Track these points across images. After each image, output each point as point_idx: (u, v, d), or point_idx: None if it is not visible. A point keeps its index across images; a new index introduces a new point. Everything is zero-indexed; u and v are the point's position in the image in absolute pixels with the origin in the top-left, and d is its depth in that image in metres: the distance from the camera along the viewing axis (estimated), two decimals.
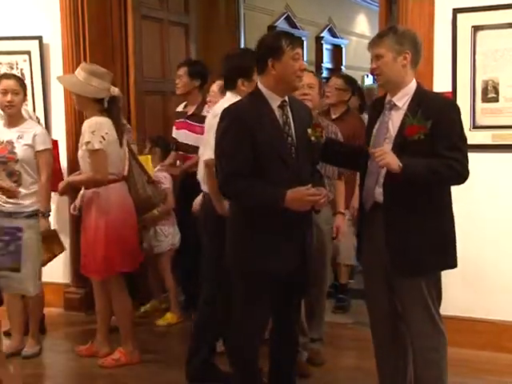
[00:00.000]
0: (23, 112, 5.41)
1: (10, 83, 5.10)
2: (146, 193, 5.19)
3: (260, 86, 3.84)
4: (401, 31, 3.81)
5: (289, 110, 3.85)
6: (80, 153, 4.88)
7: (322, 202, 3.77)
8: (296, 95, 4.39)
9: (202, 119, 5.72)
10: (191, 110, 6.03)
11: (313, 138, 3.81)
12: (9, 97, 5.04)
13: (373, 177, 3.80)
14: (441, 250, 3.78)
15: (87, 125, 4.79)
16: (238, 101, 4.12)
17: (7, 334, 5.44)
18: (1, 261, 4.69)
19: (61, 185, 4.98)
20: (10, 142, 5.08)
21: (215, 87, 5.27)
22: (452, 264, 3.82)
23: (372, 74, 4.01)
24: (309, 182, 3.79)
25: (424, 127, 3.59)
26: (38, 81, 6.25)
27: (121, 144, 4.99)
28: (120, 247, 4.87)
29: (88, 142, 4.74)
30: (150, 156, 5.86)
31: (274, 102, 3.81)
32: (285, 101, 3.84)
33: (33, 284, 4.88)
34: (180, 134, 6.09)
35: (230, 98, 4.33)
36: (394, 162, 3.54)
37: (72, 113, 6.09)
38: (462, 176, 3.67)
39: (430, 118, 3.62)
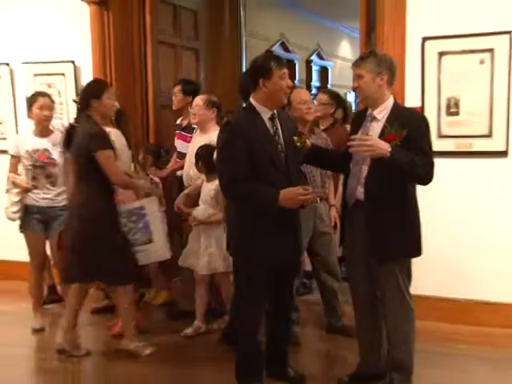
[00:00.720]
0: (60, 125, 5.48)
1: (46, 100, 5.26)
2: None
3: (253, 101, 3.92)
4: (380, 56, 3.91)
5: (277, 121, 3.94)
6: None
7: (309, 200, 3.89)
8: (302, 109, 4.77)
9: (192, 130, 5.86)
10: (185, 122, 6.06)
11: (298, 144, 3.93)
12: (45, 112, 5.22)
13: (355, 178, 3.91)
14: (410, 239, 3.91)
15: None
16: (235, 114, 4.29)
17: None
18: (136, 238, 4.81)
19: None
20: (47, 150, 5.25)
21: (200, 101, 5.35)
22: (419, 252, 3.94)
23: (354, 90, 4.10)
24: (297, 182, 3.92)
25: (400, 135, 3.70)
26: (71, 98, 6.23)
27: (130, 147, 5.13)
28: None
29: None
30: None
31: (265, 115, 3.89)
32: (274, 114, 3.92)
33: (167, 248, 4.98)
34: (177, 144, 6.11)
35: None
36: (385, 147, 3.65)
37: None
38: (430, 177, 3.81)
39: (406, 127, 3.71)
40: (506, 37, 4.96)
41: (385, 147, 3.66)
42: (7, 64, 6.64)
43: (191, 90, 6.03)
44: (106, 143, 4.55)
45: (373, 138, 3.73)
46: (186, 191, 5.35)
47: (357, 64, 3.92)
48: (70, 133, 4.64)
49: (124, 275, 4.66)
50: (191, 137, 5.81)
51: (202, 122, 5.40)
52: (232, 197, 3.99)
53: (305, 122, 4.80)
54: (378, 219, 3.83)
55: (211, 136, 5.10)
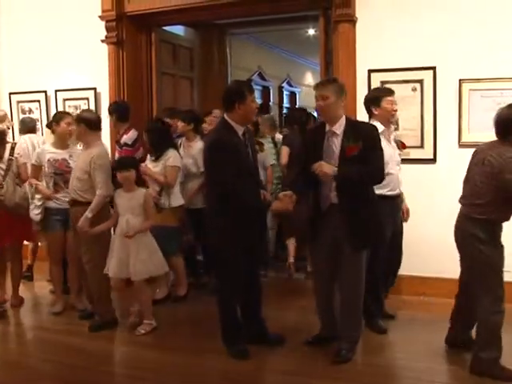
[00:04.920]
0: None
1: (71, 119, 5.00)
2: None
3: (228, 119, 3.84)
4: (340, 82, 3.93)
5: (247, 136, 3.93)
6: None
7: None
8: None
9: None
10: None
11: (259, 153, 4.03)
12: (71, 127, 4.93)
13: (327, 186, 3.80)
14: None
15: None
16: (218, 131, 3.98)
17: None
18: None
19: None
20: (65, 160, 4.94)
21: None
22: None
23: (317, 110, 4.03)
24: (260, 180, 4.05)
25: (357, 147, 3.68)
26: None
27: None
28: None
29: None
30: None
31: (240, 131, 3.86)
32: (245, 130, 3.91)
33: None
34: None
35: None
36: (329, 170, 3.65)
37: (115, 139, 6.00)
38: (381, 178, 3.83)
39: (361, 138, 3.68)
40: (431, 71, 5.08)
41: (330, 171, 3.65)
42: (45, 91, 6.70)
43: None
44: None
45: (320, 167, 3.67)
46: (88, 214, 4.49)
47: (323, 85, 3.83)
48: None
49: None
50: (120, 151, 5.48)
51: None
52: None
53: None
54: (352, 216, 3.74)
55: (94, 150, 4.65)
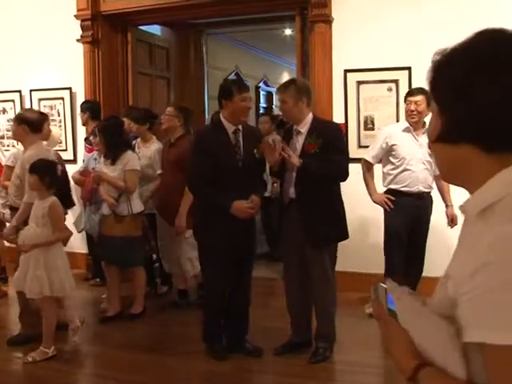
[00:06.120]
0: None
1: (49, 121, 4.89)
2: None
3: (220, 116, 3.86)
4: (299, 84, 3.85)
5: (240, 135, 3.83)
6: None
7: (253, 213, 3.82)
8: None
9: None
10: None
11: (257, 156, 3.81)
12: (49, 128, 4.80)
13: (289, 181, 3.83)
14: (337, 227, 3.85)
15: None
16: (204, 127, 4.09)
17: None
18: None
19: None
20: None
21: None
22: (345, 236, 3.89)
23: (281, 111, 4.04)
24: (253, 188, 3.82)
25: (317, 144, 3.70)
26: (68, 117, 6.38)
27: None
28: None
29: None
30: None
31: (230, 129, 3.81)
32: (237, 128, 3.82)
33: None
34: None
35: None
36: (296, 160, 3.65)
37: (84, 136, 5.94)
38: (344, 174, 3.77)
39: (323, 137, 3.69)
40: (407, 71, 5.12)
41: (295, 161, 3.67)
42: (19, 91, 6.63)
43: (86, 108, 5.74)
44: None
45: (289, 156, 3.69)
46: (13, 221, 4.29)
47: (280, 91, 3.85)
48: None
49: None
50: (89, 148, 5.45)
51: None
52: (195, 196, 3.95)
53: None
54: (308, 213, 3.75)
55: (27, 153, 4.34)
